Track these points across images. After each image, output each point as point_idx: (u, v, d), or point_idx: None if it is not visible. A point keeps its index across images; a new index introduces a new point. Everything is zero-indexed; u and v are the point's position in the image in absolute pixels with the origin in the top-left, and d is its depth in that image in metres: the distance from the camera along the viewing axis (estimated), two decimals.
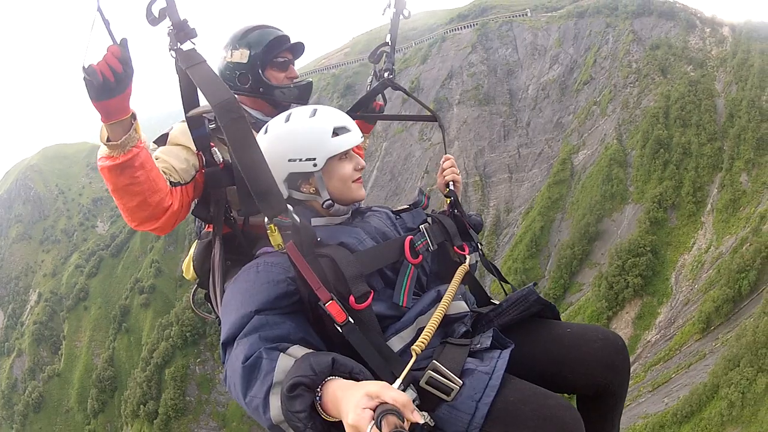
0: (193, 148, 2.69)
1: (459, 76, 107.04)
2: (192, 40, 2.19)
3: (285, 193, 2.37)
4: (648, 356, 62.37)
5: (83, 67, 2.00)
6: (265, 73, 3.03)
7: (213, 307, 2.93)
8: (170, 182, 2.56)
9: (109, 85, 2.04)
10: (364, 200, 2.57)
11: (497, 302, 2.59)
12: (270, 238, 2.01)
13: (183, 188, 2.65)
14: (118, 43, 2.06)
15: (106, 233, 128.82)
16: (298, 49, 3.16)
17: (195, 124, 2.58)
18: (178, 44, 2.18)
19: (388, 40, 3.69)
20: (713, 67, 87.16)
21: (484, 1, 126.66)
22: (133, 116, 2.23)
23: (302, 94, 3.12)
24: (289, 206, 2.02)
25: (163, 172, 2.55)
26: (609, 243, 76.32)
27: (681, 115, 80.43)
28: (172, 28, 2.16)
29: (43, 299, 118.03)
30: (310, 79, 3.22)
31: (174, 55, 2.21)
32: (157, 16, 2.13)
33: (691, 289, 65.56)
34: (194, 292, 3.19)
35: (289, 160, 2.31)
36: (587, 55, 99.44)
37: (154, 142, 2.82)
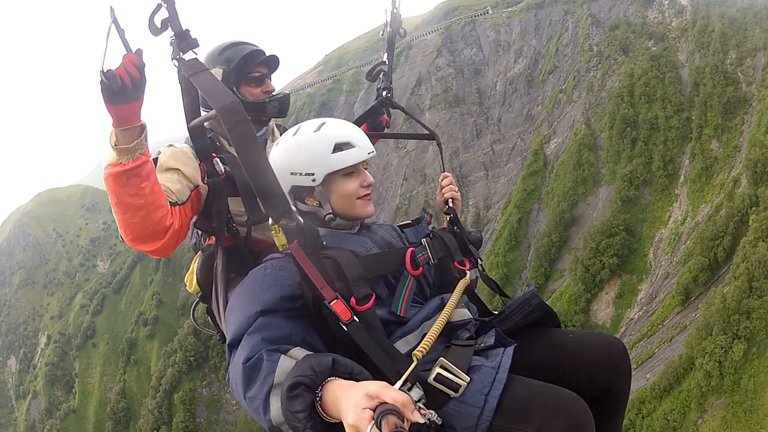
0: (185, 169, 2.67)
1: (428, 81, 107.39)
2: (194, 49, 2.21)
3: (291, 203, 2.22)
4: (632, 334, 61.50)
5: (102, 71, 2.02)
6: (240, 90, 2.98)
7: (216, 321, 2.90)
8: (169, 202, 2.51)
9: (127, 89, 2.08)
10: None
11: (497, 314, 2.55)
12: (275, 238, 2.02)
13: (181, 208, 2.60)
14: (134, 51, 2.11)
15: (107, 271, 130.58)
16: (272, 62, 3.10)
17: (197, 134, 2.58)
18: (181, 54, 2.19)
19: (384, 59, 3.65)
20: (675, 38, 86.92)
21: (446, 5, 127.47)
22: (144, 127, 2.24)
23: (280, 108, 3.06)
24: (293, 208, 2.03)
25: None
26: (585, 227, 75.80)
27: (645, 92, 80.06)
28: (174, 38, 2.18)
29: (53, 341, 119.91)
30: (288, 92, 3.16)
31: (177, 64, 2.23)
32: (159, 27, 2.14)
33: (670, 263, 64.90)
34: (194, 306, 3.18)
35: (291, 174, 2.31)
36: (549, 44, 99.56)
37: None
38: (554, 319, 2.54)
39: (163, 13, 2.13)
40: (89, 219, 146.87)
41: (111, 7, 2.00)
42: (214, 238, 2.86)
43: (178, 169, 2.69)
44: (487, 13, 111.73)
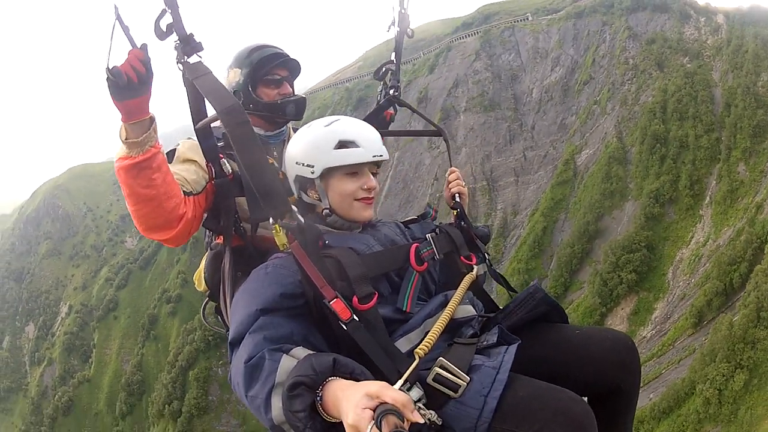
0: (202, 162, 2.73)
1: (464, 84, 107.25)
2: (198, 53, 2.27)
3: (295, 192, 2.52)
4: (643, 353, 60.38)
5: (107, 68, 2.07)
6: (257, 91, 3.09)
7: (224, 319, 2.92)
8: (183, 192, 2.57)
9: (133, 85, 2.13)
10: (380, 212, 2.70)
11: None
12: (275, 237, 2.11)
13: (195, 198, 2.66)
14: (139, 47, 2.16)
15: (135, 248, 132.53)
16: (293, 66, 3.20)
17: (204, 135, 2.58)
18: (185, 57, 2.27)
19: (392, 57, 3.72)
20: (709, 56, 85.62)
21: (487, 8, 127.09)
22: (153, 119, 2.30)
23: (295, 110, 3.14)
24: (293, 207, 2.06)
25: (177, 182, 2.58)
26: (607, 241, 75.73)
27: (678, 108, 79.16)
28: (178, 42, 2.24)
29: (74, 311, 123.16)
30: (303, 95, 3.22)
31: (181, 67, 2.29)
32: (164, 31, 2.21)
33: (688, 284, 64.51)
34: (205, 305, 3.21)
35: (296, 163, 2.41)
36: (586, 55, 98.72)
37: None
38: (561, 313, 2.52)
39: (169, 18, 2.20)
40: (120, 196, 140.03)
41: (115, 6, 2.06)
42: (222, 238, 2.86)
43: (195, 161, 2.76)
44: (527, 19, 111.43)
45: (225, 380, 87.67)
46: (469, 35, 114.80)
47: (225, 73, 3.13)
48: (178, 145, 2.88)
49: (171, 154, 2.81)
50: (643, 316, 66.34)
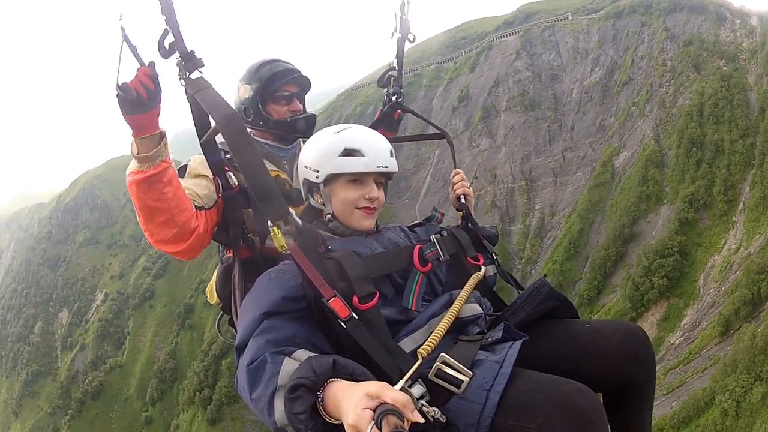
0: (211, 175, 2.72)
1: (505, 83, 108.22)
2: (200, 68, 2.30)
3: (304, 196, 2.56)
4: (670, 359, 62.10)
5: (117, 85, 2.12)
6: (267, 108, 3.06)
7: (236, 331, 2.64)
8: (195, 206, 2.59)
9: (142, 100, 2.16)
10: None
11: None
12: (274, 240, 2.03)
13: (207, 213, 2.67)
14: (146, 64, 2.21)
15: None
16: (303, 82, 3.16)
17: (209, 149, 2.58)
18: (187, 73, 2.29)
19: (394, 64, 3.70)
20: (745, 60, 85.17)
21: (528, 7, 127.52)
22: (162, 134, 2.33)
23: (305, 127, 3.11)
24: (291, 210, 2.04)
25: (189, 196, 2.59)
26: (642, 245, 76.09)
27: (714, 112, 79.17)
28: (180, 59, 2.27)
29: (110, 298, 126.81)
30: (313, 113, 3.19)
31: (183, 83, 2.31)
32: (167, 50, 2.24)
33: (718, 292, 64.57)
34: (219, 317, 3.19)
35: (305, 167, 2.44)
36: (626, 55, 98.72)
37: None
38: (570, 308, 2.43)
39: (171, 38, 2.23)
40: None
41: (122, 27, 2.12)
42: (232, 251, 2.83)
43: (206, 176, 2.76)
44: (567, 18, 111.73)
45: None
46: (510, 34, 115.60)
47: (236, 88, 3.15)
48: (190, 160, 2.93)
49: (183, 170, 2.87)
50: (672, 323, 66.77)
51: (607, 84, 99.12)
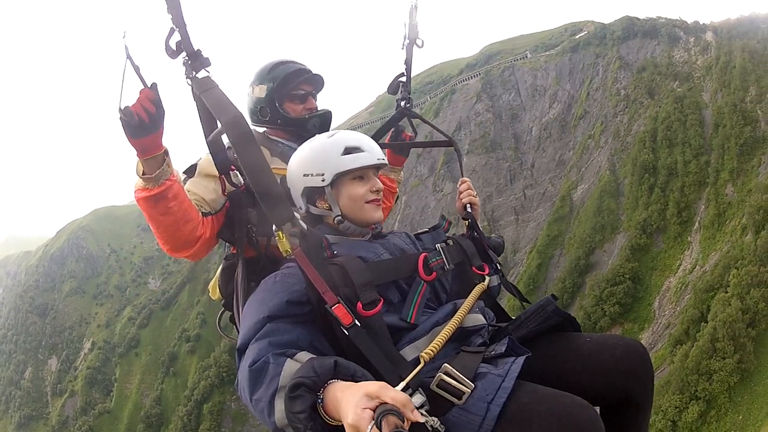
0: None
1: (467, 125, 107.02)
2: (206, 68, 2.29)
3: (303, 207, 2.52)
4: None
5: (120, 109, 2.17)
6: (284, 106, 3.16)
7: (238, 329, 2.87)
8: (202, 213, 2.69)
9: (144, 124, 2.22)
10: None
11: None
12: (278, 244, 2.04)
13: (214, 217, 2.78)
14: (149, 86, 2.25)
15: (158, 289, 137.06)
16: (317, 81, 3.27)
17: (216, 149, 2.60)
18: (194, 73, 2.29)
19: (404, 70, 3.72)
20: (699, 78, 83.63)
21: (489, 48, 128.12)
22: (166, 152, 2.40)
23: (320, 124, 3.19)
24: (295, 214, 2.05)
25: (195, 203, 2.69)
26: (595, 273, 73.88)
27: (667, 135, 77.17)
28: (187, 58, 2.27)
29: (97, 347, 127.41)
30: (328, 109, 3.27)
31: (190, 83, 2.31)
32: (174, 49, 2.24)
33: (673, 312, 61.97)
34: (220, 315, 3.25)
35: (304, 175, 2.45)
36: (582, 89, 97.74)
37: (183, 172, 2.95)
38: (573, 323, 2.46)
39: (177, 36, 2.23)
40: (144, 239, 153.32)
41: (125, 46, 2.14)
42: (236, 248, 2.90)
43: (215, 176, 2.77)
44: (526, 57, 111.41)
45: (237, 413, 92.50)
46: (472, 77, 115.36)
47: (249, 89, 3.22)
48: (200, 158, 2.97)
49: (193, 169, 2.93)
50: None
51: (565, 119, 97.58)
